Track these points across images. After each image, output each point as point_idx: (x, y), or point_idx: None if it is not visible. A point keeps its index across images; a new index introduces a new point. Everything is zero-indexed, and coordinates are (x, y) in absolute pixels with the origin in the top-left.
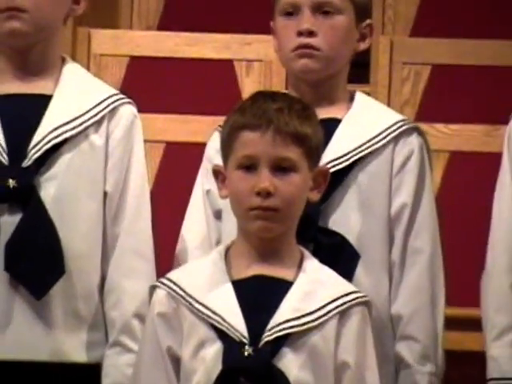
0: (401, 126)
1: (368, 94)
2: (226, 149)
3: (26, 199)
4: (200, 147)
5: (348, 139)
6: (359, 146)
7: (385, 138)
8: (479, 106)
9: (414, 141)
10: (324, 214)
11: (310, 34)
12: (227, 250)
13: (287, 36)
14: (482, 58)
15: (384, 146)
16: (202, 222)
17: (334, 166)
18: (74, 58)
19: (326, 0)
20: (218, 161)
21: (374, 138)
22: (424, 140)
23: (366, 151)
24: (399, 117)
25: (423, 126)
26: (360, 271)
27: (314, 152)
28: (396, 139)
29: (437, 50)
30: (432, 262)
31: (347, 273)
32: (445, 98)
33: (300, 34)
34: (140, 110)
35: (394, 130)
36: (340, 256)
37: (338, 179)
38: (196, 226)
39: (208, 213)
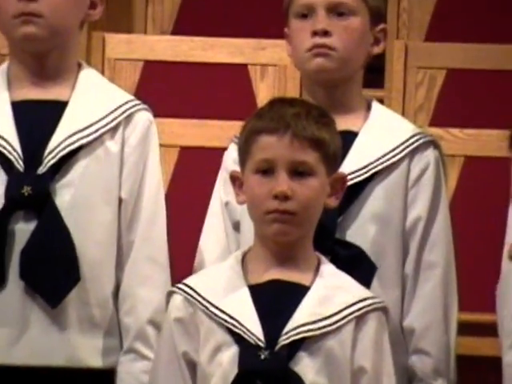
0: (417, 140)
1: (382, 98)
2: (244, 153)
3: (41, 206)
4: (215, 152)
5: (365, 152)
6: (376, 160)
7: (402, 151)
8: (494, 110)
9: (429, 154)
10: (341, 226)
11: (325, 33)
12: (244, 256)
13: (302, 37)
14: (496, 63)
15: (400, 159)
16: (220, 233)
17: (351, 179)
18: (88, 63)
19: (341, 1)
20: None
21: (391, 151)
22: (440, 153)
23: (384, 165)
24: (416, 130)
25: (438, 131)
26: (374, 283)
27: (331, 157)
28: (412, 153)
29: (451, 54)
30: (446, 277)
31: (364, 284)
32: (459, 102)
33: (315, 34)
34: (154, 115)
35: (411, 144)
36: (357, 267)
37: (355, 192)
38: (215, 238)
39: (227, 224)
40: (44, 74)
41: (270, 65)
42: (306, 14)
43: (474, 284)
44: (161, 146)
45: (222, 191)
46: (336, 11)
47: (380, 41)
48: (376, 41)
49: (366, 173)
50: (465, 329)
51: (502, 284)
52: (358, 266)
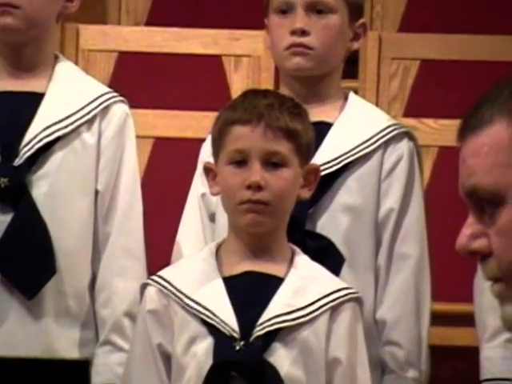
0: (391, 131)
1: (356, 89)
2: (217, 144)
3: (18, 198)
4: (189, 142)
5: (339, 143)
6: (349, 151)
7: (375, 142)
8: (468, 101)
9: (403, 146)
10: (312, 217)
11: (303, 33)
12: (218, 247)
13: (280, 34)
14: (470, 53)
15: (374, 150)
16: (197, 225)
17: (324, 170)
18: (62, 54)
19: None
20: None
21: (365, 142)
22: (415, 145)
23: (356, 156)
24: (391, 121)
25: (412, 122)
26: (347, 274)
27: (304, 149)
28: (386, 144)
29: (425, 45)
30: (418, 268)
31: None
32: (433, 93)
33: (293, 32)
34: (129, 106)
35: (384, 135)
36: (325, 259)
37: (327, 183)
38: (192, 230)
39: (203, 216)
40: (21, 65)
41: (244, 56)
42: (285, 10)
43: (447, 275)
44: (135, 137)
45: (199, 183)
46: (315, 9)
47: (360, 36)
48: (355, 36)
49: (338, 164)
50: (438, 319)
51: (479, 277)
52: (327, 257)
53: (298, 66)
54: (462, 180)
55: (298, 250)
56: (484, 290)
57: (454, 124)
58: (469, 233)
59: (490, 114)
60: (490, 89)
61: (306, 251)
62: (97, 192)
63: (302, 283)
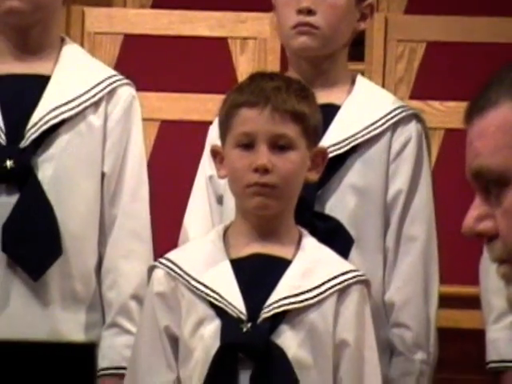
0: (400, 113)
1: (363, 71)
2: (224, 127)
3: (24, 180)
4: (195, 125)
5: (347, 125)
6: (357, 133)
7: (383, 124)
8: (474, 83)
9: (412, 128)
10: (321, 199)
11: (309, 12)
12: (226, 230)
13: (287, 13)
14: (476, 35)
15: (382, 132)
16: (205, 207)
17: (332, 152)
18: (67, 36)
19: None
20: None
21: (373, 124)
22: (423, 127)
23: (364, 137)
24: (399, 103)
25: (418, 104)
26: (355, 256)
27: (311, 131)
28: (394, 126)
29: (432, 27)
30: (426, 250)
31: (341, 257)
32: (440, 75)
33: (299, 11)
34: (135, 88)
35: (393, 117)
36: (335, 240)
37: (335, 165)
38: (199, 213)
39: (211, 198)
40: (27, 48)
41: (250, 38)
42: None
43: (453, 257)
44: (141, 119)
45: (207, 165)
46: None
47: (367, 16)
48: (363, 16)
49: (346, 145)
50: (445, 301)
51: (485, 259)
52: (336, 238)
53: (304, 45)
54: (468, 162)
55: (305, 232)
56: (489, 272)
57: (460, 106)
58: (475, 215)
59: (497, 95)
60: (497, 71)
61: (314, 232)
62: (103, 174)
63: (310, 265)
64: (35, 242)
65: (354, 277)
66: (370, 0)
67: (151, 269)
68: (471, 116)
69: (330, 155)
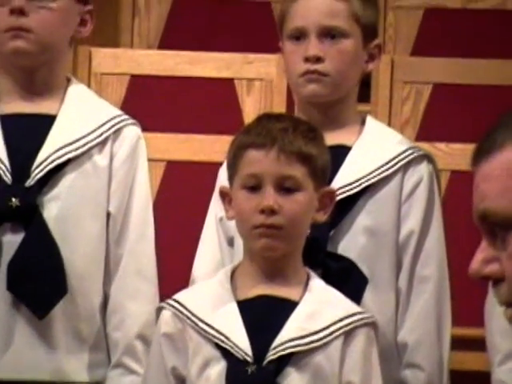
0: (411, 154)
1: (369, 112)
2: (232, 169)
3: (29, 219)
4: (201, 166)
5: (358, 166)
6: (369, 173)
7: (395, 165)
8: (480, 125)
9: (423, 169)
10: (333, 239)
11: (318, 60)
12: (234, 271)
13: (294, 61)
14: (482, 77)
15: (394, 173)
16: (215, 249)
17: (344, 193)
18: (74, 77)
19: (333, 25)
20: None
21: (384, 165)
22: (434, 168)
23: (376, 178)
24: (410, 144)
25: (424, 146)
26: (367, 296)
27: (319, 172)
28: (406, 167)
29: (438, 68)
30: (439, 291)
31: (355, 297)
32: (446, 117)
33: (307, 60)
34: (141, 129)
35: (404, 158)
36: (348, 280)
37: (347, 205)
38: (209, 255)
39: (221, 240)
40: (33, 88)
41: (257, 79)
42: (298, 36)
43: (463, 299)
44: (147, 160)
45: (217, 207)
46: (328, 34)
47: (375, 57)
48: (370, 57)
49: (358, 186)
50: (454, 343)
51: (490, 299)
52: (350, 278)
53: (313, 92)
54: (475, 205)
55: (312, 273)
56: (494, 314)
57: (466, 148)
58: (481, 258)
59: (503, 138)
60: (503, 113)
61: (328, 273)
62: (108, 214)
63: (316, 307)
64: (40, 281)
65: (361, 319)
66: (378, 41)
67: (159, 310)
68: (478, 159)
69: (342, 196)
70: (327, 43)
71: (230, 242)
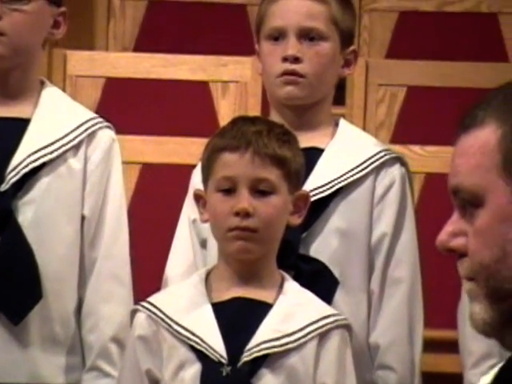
0: (383, 156)
1: (343, 115)
2: (206, 172)
3: (4, 224)
4: (176, 168)
5: (330, 168)
6: (341, 176)
7: (367, 167)
8: (455, 127)
9: (395, 171)
10: (305, 241)
11: (296, 60)
12: (208, 274)
13: (272, 61)
14: (457, 80)
15: (366, 175)
16: (188, 251)
17: (316, 195)
18: (49, 80)
19: (312, 26)
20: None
21: (356, 167)
22: (407, 170)
23: (348, 180)
24: (382, 146)
25: (398, 148)
26: (339, 299)
27: (293, 175)
28: (378, 169)
29: (412, 71)
30: (411, 293)
31: (326, 299)
32: (420, 119)
33: (285, 59)
34: (116, 131)
35: (376, 160)
36: (319, 282)
37: (319, 208)
38: (182, 256)
39: (194, 242)
40: (6, 91)
41: (232, 82)
42: (277, 37)
43: (436, 301)
44: (122, 162)
45: (190, 209)
46: (307, 36)
47: (351, 63)
48: (346, 63)
49: (330, 188)
50: (426, 346)
51: (463, 303)
52: (321, 280)
53: (290, 95)
54: (449, 178)
55: (287, 276)
56: (467, 317)
57: (440, 151)
58: (450, 230)
59: (483, 115)
60: (489, 91)
61: (299, 275)
62: (83, 217)
63: (291, 309)
64: (15, 287)
65: (335, 321)
66: (354, 47)
67: (133, 312)
68: (458, 132)
69: (314, 198)
70: (306, 45)
71: (203, 244)
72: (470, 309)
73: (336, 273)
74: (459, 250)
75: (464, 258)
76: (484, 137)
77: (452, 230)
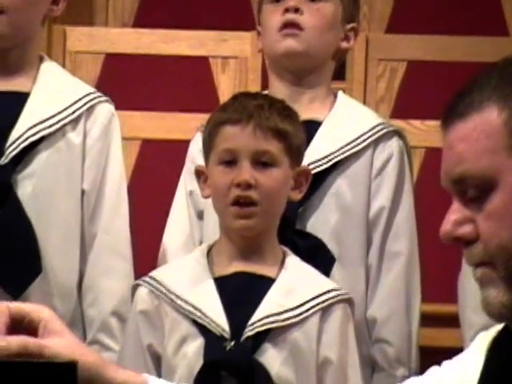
0: (381, 130)
1: (344, 90)
2: (208, 145)
3: (3, 197)
4: (176, 144)
5: (328, 142)
6: (339, 149)
7: (364, 141)
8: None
9: (393, 144)
10: (302, 216)
11: (296, 11)
12: (210, 249)
13: (273, 18)
14: (457, 54)
15: (364, 149)
16: (185, 223)
17: (313, 169)
18: (49, 56)
19: None
20: (201, 161)
21: (354, 140)
22: (405, 144)
23: (346, 154)
24: (380, 120)
25: (399, 123)
26: (337, 273)
27: (294, 150)
28: (376, 142)
29: (412, 46)
30: (409, 266)
31: (323, 275)
32: (421, 94)
33: (286, 10)
34: (116, 107)
35: (374, 134)
36: (316, 258)
37: (317, 182)
38: (179, 228)
39: (191, 213)
40: (5, 67)
41: (231, 57)
42: None
43: (436, 275)
44: (122, 138)
45: (187, 180)
46: None
47: (350, 38)
48: (346, 37)
49: (327, 162)
50: (425, 320)
51: (463, 275)
52: (318, 256)
53: (289, 48)
54: (448, 167)
55: (289, 251)
56: (468, 289)
57: None
58: (453, 219)
59: (480, 100)
60: (476, 75)
61: (296, 250)
62: (83, 192)
63: (293, 284)
64: (15, 260)
65: (337, 295)
66: (354, 24)
67: (135, 287)
68: (451, 119)
69: (312, 172)
70: (307, 2)
71: (200, 216)
72: (484, 294)
73: (333, 247)
74: (467, 237)
75: (472, 245)
76: (486, 120)
77: (456, 219)
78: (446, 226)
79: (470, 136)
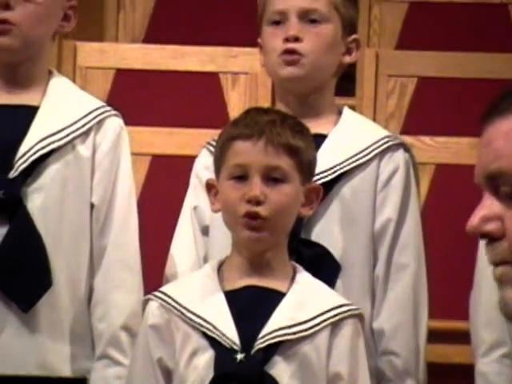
0: (386, 142)
1: (353, 106)
2: (219, 161)
3: (13, 211)
4: (186, 160)
5: (333, 153)
6: (344, 161)
7: (370, 153)
8: (465, 118)
9: (399, 157)
10: (307, 226)
11: (296, 40)
12: (221, 264)
13: (274, 43)
14: (467, 71)
15: (369, 161)
16: (190, 240)
17: (318, 180)
18: (59, 71)
19: (313, 8)
20: (206, 177)
21: (360, 152)
22: (410, 156)
23: (351, 165)
24: (385, 133)
25: (409, 139)
26: (342, 285)
27: (305, 166)
28: (381, 155)
29: (422, 62)
30: (416, 278)
31: (328, 284)
32: (430, 110)
33: (286, 40)
34: (126, 123)
35: (380, 146)
36: (321, 267)
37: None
38: (184, 244)
39: (195, 229)
40: (15, 81)
41: (242, 73)
42: (278, 20)
43: (444, 292)
44: (132, 154)
45: (192, 196)
46: (308, 18)
47: (352, 51)
48: (348, 50)
49: (333, 173)
50: (436, 336)
51: (475, 292)
52: (323, 265)
53: (291, 74)
54: (484, 163)
55: (300, 267)
56: (479, 305)
57: (450, 141)
58: (481, 215)
59: None
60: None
61: (301, 260)
62: (92, 205)
63: (304, 298)
64: (25, 274)
65: (348, 310)
66: (356, 36)
67: (145, 301)
68: (492, 116)
69: (317, 183)
70: (306, 26)
71: (205, 231)
72: (502, 294)
73: (338, 259)
74: (494, 234)
75: (496, 242)
76: None
77: (485, 215)
78: (474, 221)
79: (509, 133)
